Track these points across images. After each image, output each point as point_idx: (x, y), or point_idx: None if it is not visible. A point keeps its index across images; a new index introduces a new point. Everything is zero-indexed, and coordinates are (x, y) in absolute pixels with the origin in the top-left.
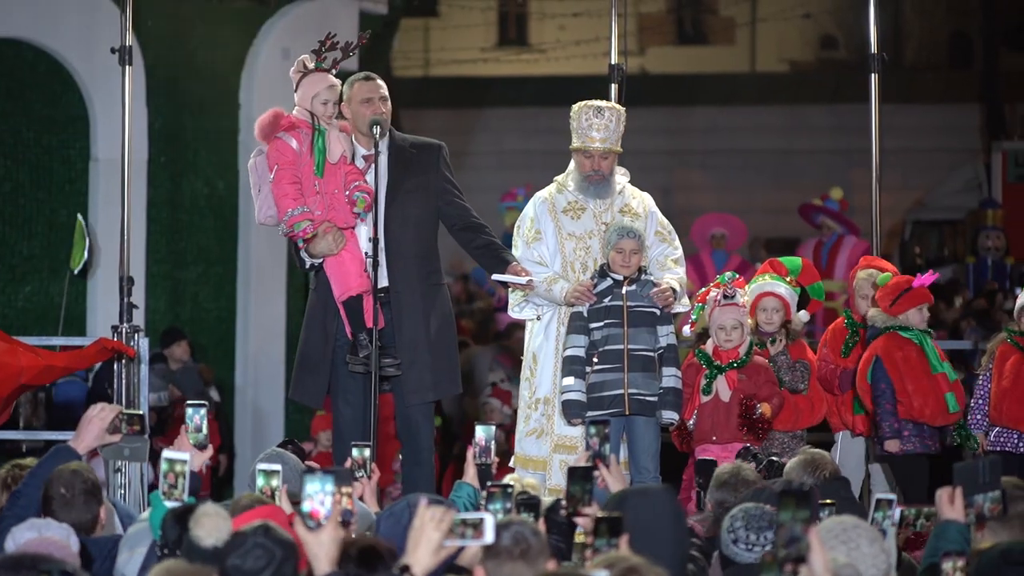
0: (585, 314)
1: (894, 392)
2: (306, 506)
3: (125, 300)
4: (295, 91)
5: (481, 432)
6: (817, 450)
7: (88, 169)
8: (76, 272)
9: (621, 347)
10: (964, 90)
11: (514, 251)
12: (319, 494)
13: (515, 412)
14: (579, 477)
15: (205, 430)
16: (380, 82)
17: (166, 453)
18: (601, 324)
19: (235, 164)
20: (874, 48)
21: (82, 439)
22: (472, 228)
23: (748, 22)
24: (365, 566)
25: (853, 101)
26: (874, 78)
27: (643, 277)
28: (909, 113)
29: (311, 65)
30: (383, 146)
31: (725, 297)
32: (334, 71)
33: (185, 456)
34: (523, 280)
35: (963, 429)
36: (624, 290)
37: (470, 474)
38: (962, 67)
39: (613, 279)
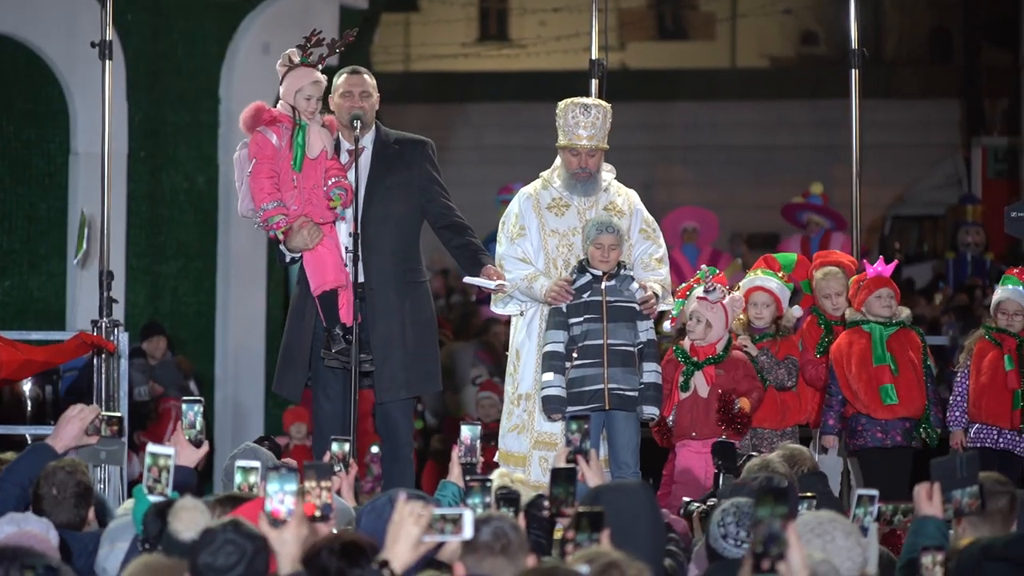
0: (564, 309)
1: (839, 389)
2: (267, 505)
3: (105, 294)
4: (280, 85)
5: (467, 431)
6: (796, 445)
7: (68, 163)
8: (75, 263)
9: (600, 342)
10: (944, 86)
11: (498, 247)
12: (279, 493)
13: None
14: (563, 479)
15: (200, 426)
16: (366, 77)
17: (150, 448)
18: (580, 319)
19: (215, 159)
20: (854, 44)
21: (60, 438)
22: (452, 227)
23: (728, 17)
24: (347, 560)
25: (834, 97)
26: (854, 74)
27: (622, 272)
28: (889, 109)
29: (297, 60)
30: (367, 141)
31: (705, 291)
32: (320, 67)
33: (169, 451)
34: (493, 284)
35: (925, 424)
36: (603, 285)
37: (455, 473)
38: (942, 62)
39: (592, 274)
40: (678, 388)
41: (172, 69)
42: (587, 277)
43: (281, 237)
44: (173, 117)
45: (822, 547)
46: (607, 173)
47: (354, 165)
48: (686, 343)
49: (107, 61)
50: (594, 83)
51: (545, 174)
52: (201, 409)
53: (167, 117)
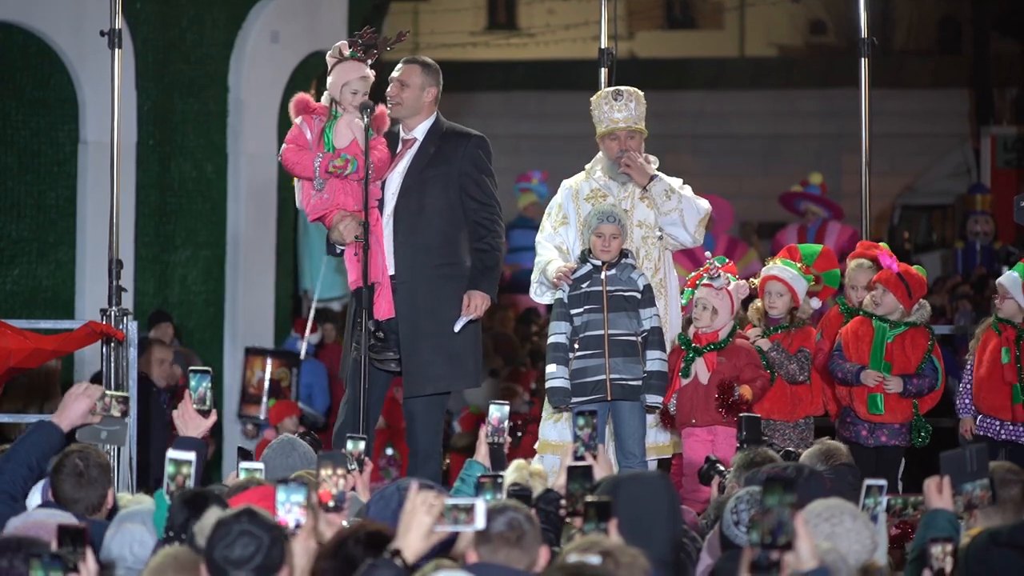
0: (567, 300)
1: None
2: (277, 516)
3: (114, 283)
4: (328, 75)
5: (495, 411)
6: (834, 441)
7: (77, 152)
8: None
9: (601, 332)
10: (953, 75)
11: (540, 232)
12: (286, 504)
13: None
14: (578, 476)
15: (208, 399)
16: (400, 67)
17: (172, 454)
18: (581, 310)
19: (224, 147)
20: (864, 33)
21: (66, 416)
22: (472, 228)
23: (737, 6)
24: (373, 550)
25: (842, 86)
26: (863, 63)
27: (623, 261)
28: (898, 98)
29: (347, 53)
30: (421, 132)
31: (710, 278)
32: (369, 62)
33: (191, 457)
34: (467, 319)
35: (915, 431)
36: (603, 275)
37: (482, 453)
38: (951, 52)
39: (592, 264)
40: (679, 375)
41: (181, 58)
42: (588, 267)
43: (338, 169)
44: (182, 106)
45: (830, 531)
46: (651, 165)
47: (408, 156)
48: (690, 331)
49: (116, 49)
50: (603, 72)
51: (588, 165)
52: (209, 381)
53: (176, 106)
